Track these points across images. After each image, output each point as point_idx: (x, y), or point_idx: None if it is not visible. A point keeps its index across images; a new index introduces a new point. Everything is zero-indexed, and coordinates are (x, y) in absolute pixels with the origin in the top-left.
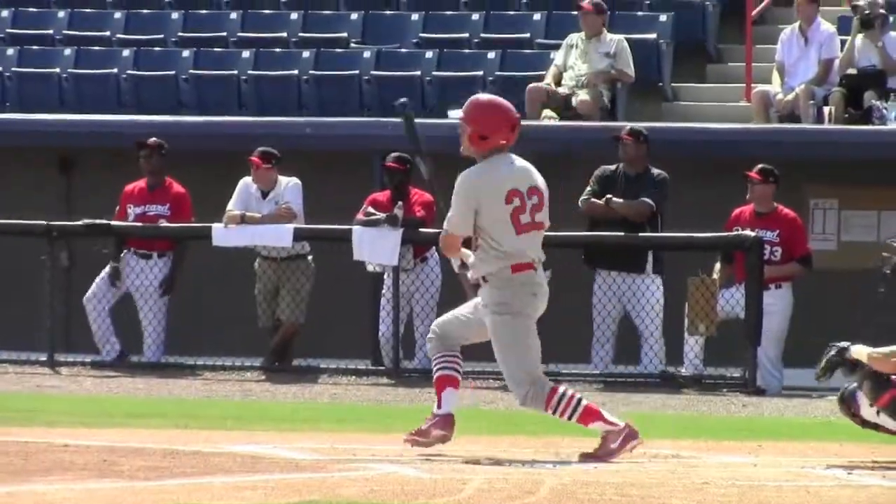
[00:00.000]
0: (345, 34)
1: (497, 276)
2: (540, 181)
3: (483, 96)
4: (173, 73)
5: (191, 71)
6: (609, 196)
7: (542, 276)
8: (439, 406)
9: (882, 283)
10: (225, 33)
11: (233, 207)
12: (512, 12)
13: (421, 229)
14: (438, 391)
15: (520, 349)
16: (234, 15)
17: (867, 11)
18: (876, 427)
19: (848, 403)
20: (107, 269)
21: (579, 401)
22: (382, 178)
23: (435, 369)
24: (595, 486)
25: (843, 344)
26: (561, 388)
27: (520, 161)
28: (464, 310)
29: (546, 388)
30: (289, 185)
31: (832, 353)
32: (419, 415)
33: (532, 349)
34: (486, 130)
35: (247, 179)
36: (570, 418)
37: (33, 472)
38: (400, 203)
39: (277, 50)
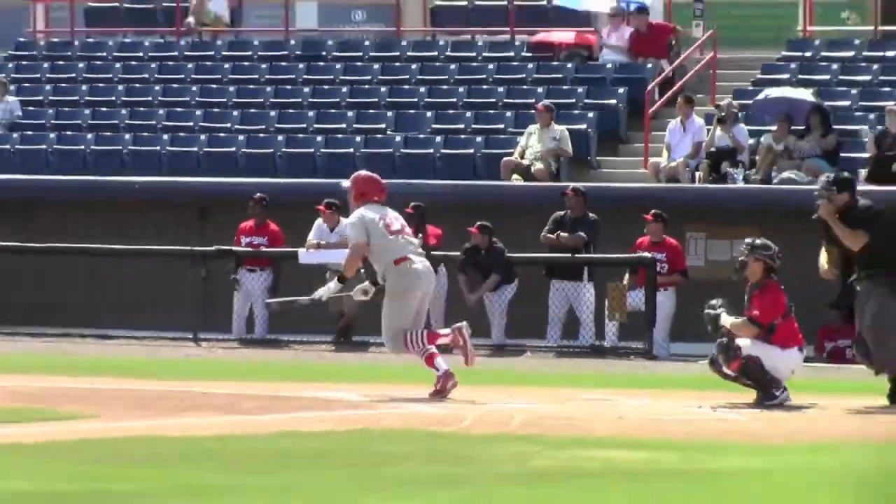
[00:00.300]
0: (383, 125)
1: (388, 270)
2: (400, 217)
3: (363, 172)
4: (272, 150)
5: (283, 149)
6: (559, 232)
7: (420, 262)
8: (437, 369)
9: (734, 274)
10: (305, 125)
11: (311, 238)
12: (492, 111)
13: (433, 252)
14: (430, 364)
15: (397, 316)
16: (311, 113)
17: (723, 113)
18: (735, 380)
19: (715, 364)
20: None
21: (429, 354)
22: (409, 216)
23: (421, 355)
24: (549, 419)
25: (718, 311)
26: (409, 335)
27: (388, 208)
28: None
29: (401, 337)
30: (348, 223)
31: (711, 317)
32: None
33: (404, 316)
34: (363, 191)
35: (320, 220)
36: (421, 356)
37: (183, 409)
38: (420, 234)
39: (340, 136)
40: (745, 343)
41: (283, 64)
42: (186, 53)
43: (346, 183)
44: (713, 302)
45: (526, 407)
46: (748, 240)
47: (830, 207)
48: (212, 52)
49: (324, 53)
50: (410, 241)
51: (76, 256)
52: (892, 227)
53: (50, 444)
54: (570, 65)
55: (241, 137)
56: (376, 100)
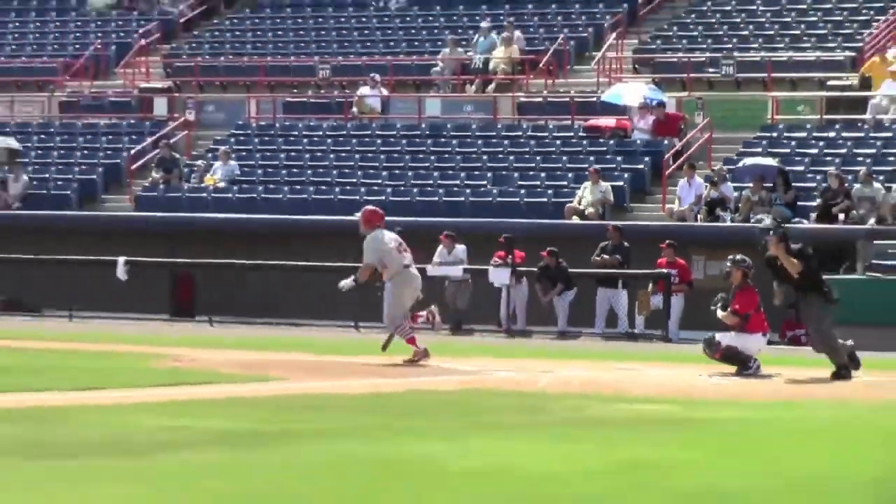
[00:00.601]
0: (484, 182)
1: (397, 274)
2: (398, 237)
3: (369, 207)
4: (409, 199)
5: (417, 198)
6: (603, 255)
7: (415, 270)
8: (417, 347)
9: (725, 277)
10: (431, 181)
11: (436, 258)
12: (559, 172)
13: (518, 268)
14: (412, 343)
15: (399, 305)
16: (436, 173)
17: (715, 178)
18: (720, 360)
19: (706, 352)
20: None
21: (411, 336)
22: (502, 244)
23: (405, 335)
24: (598, 382)
25: (716, 306)
26: (408, 324)
27: (390, 231)
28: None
29: (404, 321)
30: (461, 248)
31: (714, 308)
32: (517, 350)
33: (403, 306)
34: (369, 219)
35: (441, 245)
36: (404, 338)
37: (348, 374)
38: (510, 256)
39: (455, 188)
40: (722, 337)
41: (417, 140)
42: (352, 132)
43: (358, 213)
44: (717, 297)
45: (582, 374)
46: (731, 256)
47: (775, 241)
48: (368, 132)
49: (444, 133)
50: (408, 256)
51: (279, 270)
52: (815, 262)
53: (255, 398)
54: (612, 141)
55: (388, 189)
56: (480, 164)
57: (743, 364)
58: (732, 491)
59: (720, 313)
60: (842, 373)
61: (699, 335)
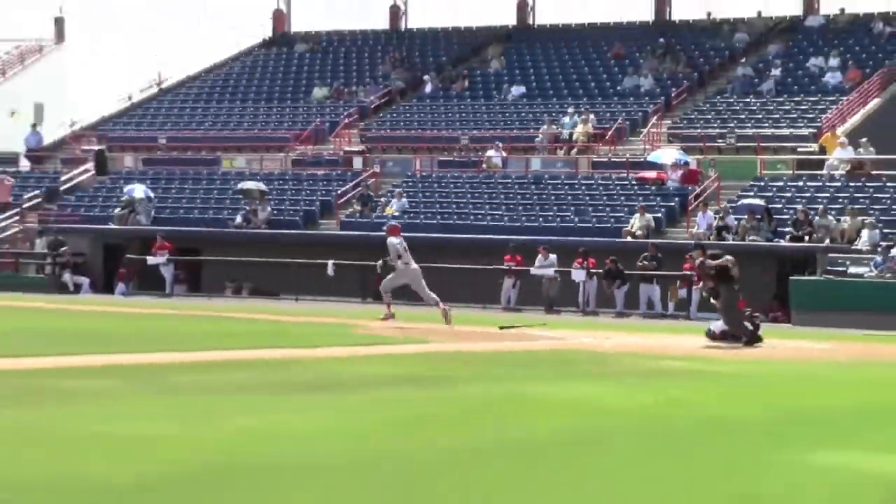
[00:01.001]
0: (569, 214)
1: (402, 267)
2: (405, 244)
3: (392, 222)
4: (519, 224)
5: (525, 223)
6: (645, 262)
7: (413, 264)
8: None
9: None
10: (533, 214)
11: (537, 263)
12: (619, 207)
13: (591, 270)
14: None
15: (424, 285)
16: (537, 208)
17: (721, 213)
18: (719, 341)
19: (708, 337)
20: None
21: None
22: (580, 254)
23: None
24: (645, 346)
25: (711, 297)
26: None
27: (402, 238)
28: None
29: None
30: (553, 256)
31: (706, 297)
32: (590, 324)
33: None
34: (391, 231)
35: (540, 255)
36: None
37: (475, 339)
38: (585, 262)
39: (549, 216)
40: (714, 326)
41: (525, 185)
42: (482, 180)
43: (385, 227)
44: (708, 287)
45: (634, 340)
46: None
47: (700, 269)
48: (493, 180)
49: (543, 181)
50: (409, 255)
51: (434, 271)
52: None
53: (418, 354)
54: (654, 187)
55: (505, 218)
56: (566, 201)
57: (735, 338)
58: (737, 419)
59: (713, 301)
60: (753, 343)
61: (711, 316)
